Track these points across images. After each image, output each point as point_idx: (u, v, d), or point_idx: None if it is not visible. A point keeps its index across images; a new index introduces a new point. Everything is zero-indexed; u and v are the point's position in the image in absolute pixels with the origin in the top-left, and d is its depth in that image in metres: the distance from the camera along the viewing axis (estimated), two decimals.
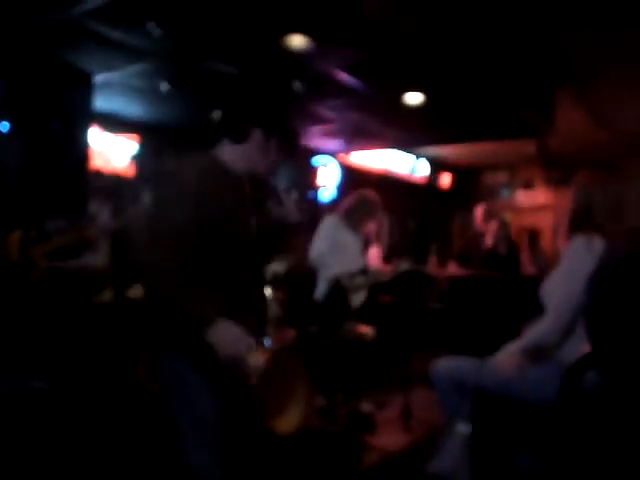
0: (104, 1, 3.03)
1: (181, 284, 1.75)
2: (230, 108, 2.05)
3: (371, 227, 4.95)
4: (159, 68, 3.99)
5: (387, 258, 7.27)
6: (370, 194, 4.70)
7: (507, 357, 2.44)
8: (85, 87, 3.03)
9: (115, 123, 5.21)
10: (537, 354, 2.44)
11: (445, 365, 2.63)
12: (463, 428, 2.37)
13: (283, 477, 3.13)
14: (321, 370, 4.41)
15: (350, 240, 4.62)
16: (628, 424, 1.97)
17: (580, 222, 2.42)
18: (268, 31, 3.51)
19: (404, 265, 4.93)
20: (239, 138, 1.97)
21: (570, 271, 2.38)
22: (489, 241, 6.37)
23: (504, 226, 6.28)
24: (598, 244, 2.32)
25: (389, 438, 3.90)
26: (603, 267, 2.22)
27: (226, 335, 1.78)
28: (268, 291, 4.08)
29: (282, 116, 2.10)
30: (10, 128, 2.66)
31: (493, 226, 6.49)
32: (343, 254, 4.53)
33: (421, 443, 3.69)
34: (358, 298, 4.48)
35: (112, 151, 5.32)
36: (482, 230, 6.47)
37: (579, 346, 2.15)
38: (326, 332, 4.49)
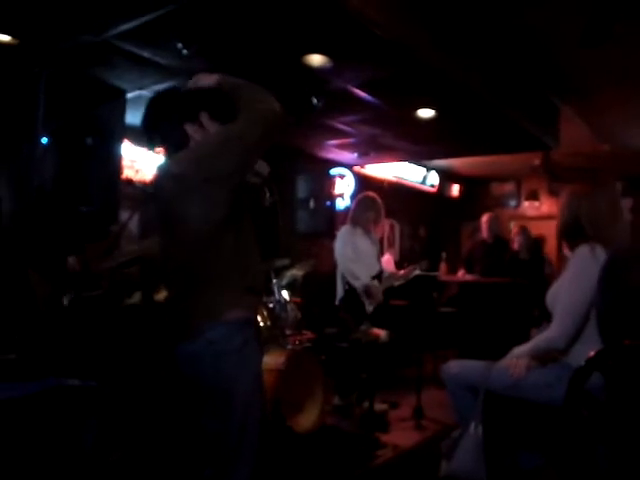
0: (136, 23, 3.07)
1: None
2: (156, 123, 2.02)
3: (381, 229, 4.96)
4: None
5: (399, 264, 7.26)
6: (371, 194, 4.75)
7: (516, 360, 2.43)
8: (118, 103, 3.06)
9: (143, 136, 5.25)
10: (545, 357, 2.42)
11: (456, 367, 2.62)
12: (476, 429, 2.35)
13: (301, 472, 3.12)
14: (337, 371, 4.41)
15: (366, 246, 4.65)
16: (632, 424, 1.94)
17: (572, 234, 2.42)
18: (289, 50, 3.53)
19: (421, 267, 4.92)
20: (182, 144, 1.93)
21: (575, 279, 2.36)
22: (514, 247, 6.39)
23: (524, 233, 6.28)
24: (600, 252, 2.31)
25: (402, 436, 3.89)
26: (611, 264, 2.22)
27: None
28: (286, 294, 4.09)
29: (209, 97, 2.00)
30: (48, 142, 2.69)
31: (515, 233, 6.52)
32: (363, 260, 4.55)
33: (432, 441, 3.67)
34: (372, 303, 4.48)
35: (141, 163, 5.37)
36: (487, 238, 6.49)
37: (587, 349, 2.13)
38: (342, 334, 4.49)
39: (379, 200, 4.73)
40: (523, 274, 5.77)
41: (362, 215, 4.67)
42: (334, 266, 4.72)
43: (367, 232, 4.68)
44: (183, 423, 3.20)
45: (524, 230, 6.41)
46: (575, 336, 2.32)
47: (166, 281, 2.06)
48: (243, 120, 1.82)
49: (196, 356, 1.83)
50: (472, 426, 2.38)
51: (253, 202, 2.05)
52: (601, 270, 2.23)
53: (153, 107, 2.03)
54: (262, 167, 2.04)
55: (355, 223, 4.67)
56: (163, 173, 1.99)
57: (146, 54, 3.49)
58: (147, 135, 2.04)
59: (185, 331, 1.86)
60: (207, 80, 1.96)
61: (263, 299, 3.78)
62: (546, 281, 5.90)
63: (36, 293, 3.20)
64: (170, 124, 1.95)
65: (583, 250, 2.36)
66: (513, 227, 7.96)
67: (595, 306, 2.27)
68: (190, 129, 1.93)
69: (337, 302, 4.65)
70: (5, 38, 3.30)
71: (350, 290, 4.47)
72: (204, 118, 1.92)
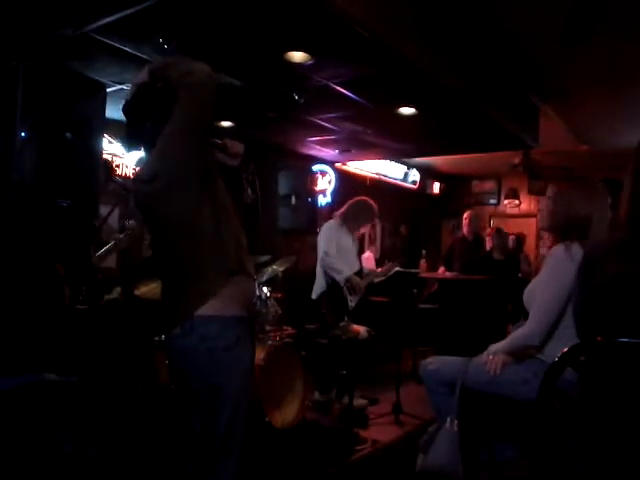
0: (116, 17, 3.05)
1: None
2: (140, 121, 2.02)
3: (363, 230, 4.99)
4: None
5: (379, 261, 7.31)
6: (370, 201, 4.76)
7: (492, 356, 2.47)
8: (98, 98, 3.04)
9: (123, 131, 5.22)
10: (520, 354, 2.47)
11: (434, 364, 2.66)
12: (452, 424, 2.39)
13: (280, 467, 3.14)
14: (317, 366, 4.44)
15: (349, 244, 4.67)
16: (603, 419, 1.99)
17: (564, 232, 2.44)
18: (271, 47, 3.53)
19: (396, 266, 4.96)
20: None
21: (551, 277, 2.40)
22: (487, 247, 6.47)
23: (498, 234, 6.36)
24: (577, 250, 2.34)
25: (381, 431, 3.93)
26: (587, 259, 2.25)
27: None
28: (266, 290, 4.10)
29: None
30: (27, 137, 2.67)
31: (488, 234, 6.60)
32: (345, 256, 4.57)
33: (411, 436, 3.72)
34: (354, 298, 4.52)
35: (121, 157, 5.34)
36: (467, 235, 6.57)
37: (561, 346, 2.17)
38: (322, 330, 4.52)
39: (376, 210, 4.77)
40: (495, 273, 5.85)
41: (355, 218, 4.69)
42: (315, 262, 4.74)
43: (352, 232, 4.72)
44: (167, 418, 3.21)
45: (498, 231, 6.49)
46: (550, 333, 2.36)
47: (158, 274, 2.07)
48: (180, 101, 1.83)
49: (189, 351, 1.83)
50: (448, 421, 2.42)
51: (234, 198, 2.06)
52: (578, 265, 2.27)
53: (138, 100, 2.02)
54: (236, 147, 2.04)
55: (344, 221, 4.69)
56: (136, 176, 2.05)
57: (126, 48, 3.46)
58: (131, 128, 2.05)
59: (175, 321, 1.86)
60: (140, 76, 1.96)
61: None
62: (521, 279, 6.00)
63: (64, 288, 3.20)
64: (156, 119, 1.94)
65: (559, 249, 2.39)
66: (488, 227, 8.05)
67: (572, 301, 2.31)
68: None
69: (314, 296, 4.67)
70: None
71: (332, 285, 4.50)
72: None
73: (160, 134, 1.89)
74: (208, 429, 1.85)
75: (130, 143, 2.14)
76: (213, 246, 1.87)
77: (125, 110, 2.02)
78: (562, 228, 2.46)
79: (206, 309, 1.82)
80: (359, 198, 4.82)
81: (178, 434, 3.15)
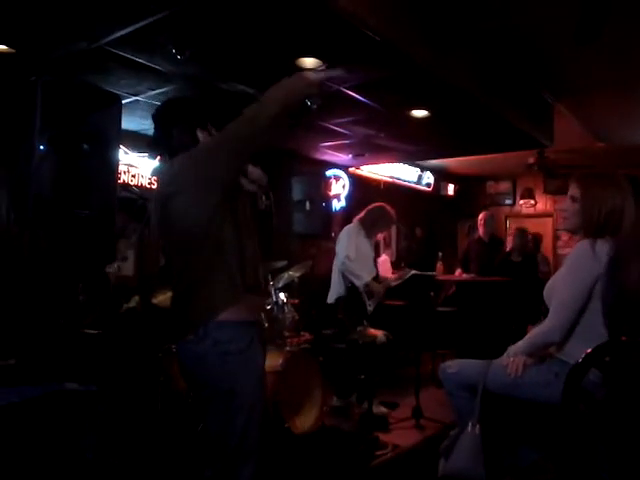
0: (130, 29, 3.08)
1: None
2: (169, 125, 2.11)
3: (380, 236, 5.00)
4: (182, 89, 4.05)
5: (396, 264, 7.29)
6: (388, 207, 4.77)
7: (513, 358, 2.44)
8: (114, 109, 3.07)
9: (139, 141, 5.28)
10: (541, 354, 2.43)
11: (454, 367, 2.64)
12: (474, 428, 2.37)
13: (300, 473, 3.14)
14: (335, 371, 4.43)
15: (367, 248, 4.67)
16: (630, 421, 1.96)
17: (598, 230, 2.35)
18: (282, 54, 3.54)
19: (411, 271, 4.95)
20: (191, 144, 2.03)
21: (573, 272, 2.36)
22: (507, 247, 6.42)
23: (520, 235, 6.30)
24: (601, 246, 2.30)
25: (401, 436, 3.91)
26: (616, 257, 2.22)
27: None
28: (283, 296, 4.11)
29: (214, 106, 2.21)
30: (45, 150, 2.70)
31: (510, 234, 6.56)
32: (364, 261, 4.57)
33: (432, 441, 3.69)
34: (373, 303, 4.51)
35: (137, 167, 5.39)
36: (483, 236, 6.52)
37: (583, 346, 2.15)
38: (340, 335, 4.51)
39: (394, 216, 4.78)
40: (513, 275, 5.80)
41: (373, 224, 4.71)
42: (331, 267, 4.74)
43: (370, 238, 4.73)
44: (183, 425, 3.22)
45: (520, 231, 6.43)
46: (570, 329, 2.33)
47: (170, 281, 2.11)
48: (233, 123, 1.88)
49: (201, 356, 1.87)
50: (470, 425, 2.39)
51: (249, 206, 2.09)
52: (607, 263, 2.24)
53: (169, 109, 2.16)
54: (256, 173, 2.12)
55: (362, 226, 4.69)
56: (162, 175, 2.10)
57: (140, 59, 3.50)
58: (158, 135, 2.13)
59: (187, 329, 1.90)
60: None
61: (265, 300, 3.80)
62: (540, 280, 5.93)
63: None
64: (184, 127, 2.05)
65: (583, 245, 2.35)
66: (510, 227, 7.97)
67: (601, 299, 2.28)
68: (200, 134, 2.05)
69: (330, 301, 4.66)
70: (1, 47, 3.31)
71: (351, 289, 4.49)
72: (212, 128, 2.06)
73: (182, 143, 1.98)
74: (224, 433, 1.88)
75: (154, 150, 2.21)
76: (233, 259, 1.91)
77: (155, 116, 2.14)
78: (595, 226, 2.35)
79: (219, 315, 1.86)
80: (378, 204, 4.82)
81: (196, 441, 3.17)
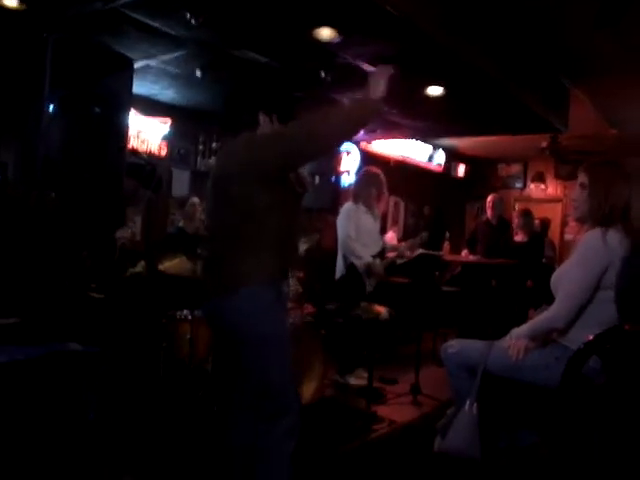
0: None
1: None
2: (236, 102, 2.30)
3: (384, 205, 4.94)
4: (194, 55, 4.00)
5: (402, 241, 7.27)
6: (373, 168, 4.72)
7: (515, 340, 2.44)
8: (125, 73, 3.03)
9: (149, 106, 5.25)
10: (543, 338, 2.43)
11: (455, 347, 2.63)
12: (471, 407, 2.38)
13: (298, 444, 3.17)
14: (337, 346, 4.44)
15: (370, 223, 4.63)
16: (628, 408, 1.96)
17: (606, 219, 2.33)
18: (298, 23, 3.48)
19: (422, 238, 4.94)
20: (252, 125, 2.18)
21: (583, 264, 2.34)
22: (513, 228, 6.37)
23: (525, 216, 6.24)
24: (612, 236, 2.29)
25: (398, 411, 3.93)
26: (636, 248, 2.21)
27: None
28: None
29: (281, 96, 2.32)
30: (55, 110, 2.67)
31: (515, 215, 6.50)
32: (366, 238, 4.54)
33: (428, 417, 3.71)
34: (372, 282, 4.50)
35: (146, 132, 5.36)
36: (491, 219, 6.47)
37: (585, 332, 2.14)
38: (342, 310, 4.51)
39: (381, 175, 4.69)
40: (518, 256, 5.76)
41: (364, 191, 4.64)
42: (337, 242, 4.72)
43: (370, 209, 4.66)
44: (184, 390, 3.25)
45: (524, 212, 6.37)
46: (575, 317, 2.32)
47: (206, 242, 2.33)
48: (308, 132, 2.01)
49: (238, 309, 2.07)
50: (467, 404, 2.40)
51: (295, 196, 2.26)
52: (626, 252, 2.23)
53: (239, 91, 2.33)
54: (306, 180, 2.35)
55: (357, 199, 4.64)
56: (223, 152, 2.33)
57: (154, 23, 3.45)
58: (228, 108, 2.32)
59: (220, 288, 2.10)
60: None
61: None
62: (544, 264, 5.90)
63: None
64: (249, 108, 2.21)
65: (595, 233, 2.33)
66: (514, 210, 7.92)
67: (615, 287, 2.26)
68: (262, 118, 2.19)
69: (338, 277, 4.66)
70: (12, 3, 3.26)
71: (351, 268, 4.48)
72: (274, 117, 2.19)
73: (245, 123, 2.17)
74: (267, 386, 2.10)
75: (225, 127, 2.42)
76: (281, 243, 2.12)
77: (229, 99, 2.31)
78: (602, 214, 2.34)
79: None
80: (362, 171, 4.81)
81: (197, 407, 3.20)
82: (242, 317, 2.07)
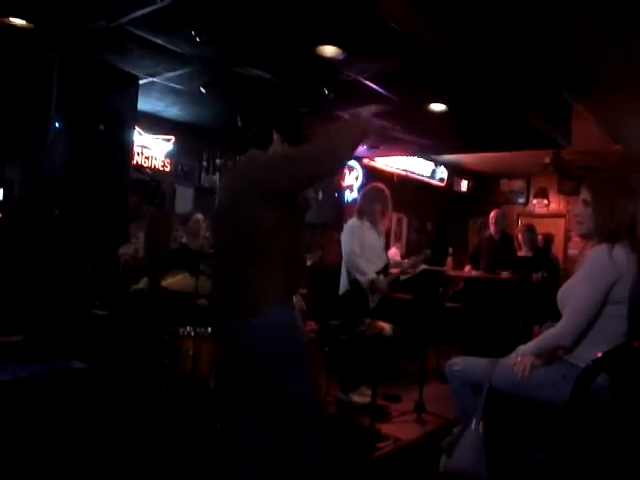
0: (149, 10, 3.05)
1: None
2: (252, 117, 2.30)
3: (388, 221, 4.93)
4: (198, 72, 4.03)
5: (405, 258, 7.25)
6: (379, 185, 4.72)
7: (521, 358, 2.42)
8: (130, 90, 3.05)
9: (154, 123, 5.28)
10: (549, 356, 2.41)
11: (460, 364, 2.61)
12: (477, 426, 2.35)
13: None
14: (341, 363, 4.41)
15: (374, 239, 4.62)
16: (637, 426, 1.94)
17: (612, 235, 2.32)
18: (302, 40, 3.51)
19: (425, 255, 4.93)
20: (264, 145, 2.21)
21: (590, 276, 2.33)
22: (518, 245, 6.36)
23: (528, 231, 6.25)
24: (619, 252, 2.28)
25: (403, 429, 3.90)
26: None
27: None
28: None
29: (293, 118, 2.36)
30: (61, 128, 2.69)
31: (518, 230, 6.50)
32: (370, 254, 4.53)
33: (433, 435, 3.68)
34: (375, 298, 4.48)
35: (150, 149, 5.39)
36: (494, 234, 6.47)
37: (592, 349, 2.12)
38: (346, 326, 4.49)
39: (387, 191, 4.69)
40: (522, 271, 5.74)
41: (369, 207, 4.63)
42: (340, 258, 4.71)
43: (374, 225, 4.64)
44: (187, 407, 3.22)
45: (528, 227, 6.38)
46: (582, 334, 2.30)
47: (213, 260, 2.34)
48: (315, 154, 2.04)
49: (267, 332, 2.07)
50: (473, 423, 2.37)
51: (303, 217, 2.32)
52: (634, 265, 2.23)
53: (253, 107, 2.35)
54: (310, 196, 2.34)
55: (362, 215, 4.64)
56: (234, 170, 2.37)
57: (159, 41, 3.47)
58: (241, 121, 2.31)
59: (239, 311, 2.11)
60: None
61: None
62: (549, 280, 5.87)
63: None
64: (262, 124, 2.24)
65: (601, 249, 2.31)
66: (518, 226, 7.91)
67: (628, 303, 2.25)
68: (275, 136, 2.22)
69: (341, 292, 4.64)
70: (20, 22, 3.30)
71: (355, 284, 4.46)
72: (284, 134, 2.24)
73: (258, 138, 2.19)
74: (298, 398, 2.14)
75: (236, 144, 2.42)
76: (290, 260, 2.12)
77: (243, 112, 2.30)
78: (610, 231, 2.33)
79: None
80: (367, 187, 4.80)
81: (199, 425, 3.17)
82: (268, 337, 2.08)
